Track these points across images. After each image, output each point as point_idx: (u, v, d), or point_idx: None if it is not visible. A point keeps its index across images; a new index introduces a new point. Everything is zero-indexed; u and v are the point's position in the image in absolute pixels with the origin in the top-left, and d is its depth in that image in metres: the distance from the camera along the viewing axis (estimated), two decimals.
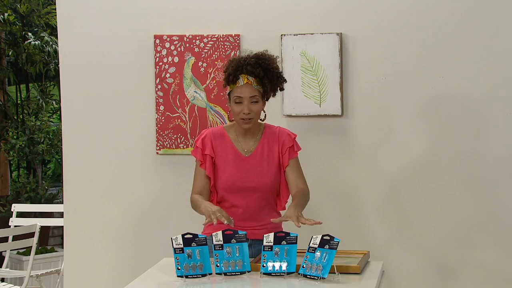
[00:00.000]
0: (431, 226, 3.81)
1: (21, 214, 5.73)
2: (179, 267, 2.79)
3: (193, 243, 2.82)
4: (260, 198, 3.20)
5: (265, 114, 3.24)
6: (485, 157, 3.73)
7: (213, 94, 3.98)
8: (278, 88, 3.23)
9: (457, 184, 3.78)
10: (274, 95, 3.24)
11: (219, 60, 3.93)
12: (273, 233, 2.85)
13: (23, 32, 7.09)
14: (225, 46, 3.94)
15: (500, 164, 3.72)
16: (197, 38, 3.98)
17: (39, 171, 7.09)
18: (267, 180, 3.19)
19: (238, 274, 2.83)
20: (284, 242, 2.83)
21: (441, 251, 3.80)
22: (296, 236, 2.85)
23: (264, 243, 2.85)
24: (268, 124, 3.28)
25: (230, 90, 3.17)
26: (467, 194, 3.76)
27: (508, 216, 3.73)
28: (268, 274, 2.81)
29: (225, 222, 2.91)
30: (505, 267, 3.74)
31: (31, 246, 4.93)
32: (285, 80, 3.26)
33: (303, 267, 2.77)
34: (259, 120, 3.24)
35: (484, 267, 3.75)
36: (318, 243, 2.78)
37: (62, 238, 4.56)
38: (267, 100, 3.22)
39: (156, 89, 4.02)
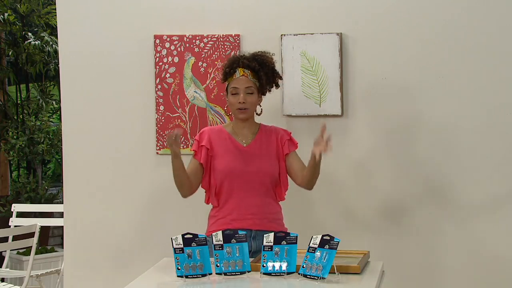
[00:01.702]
0: (434, 225, 3.82)
1: (21, 214, 5.73)
2: (179, 267, 2.80)
3: (193, 243, 2.82)
4: (260, 184, 3.26)
5: (261, 109, 3.36)
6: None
7: (213, 94, 3.98)
8: (274, 84, 3.37)
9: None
10: (269, 90, 3.38)
11: (219, 60, 3.93)
12: (273, 233, 2.86)
13: (23, 32, 7.10)
14: (225, 46, 3.94)
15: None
16: (197, 38, 3.98)
17: (39, 171, 7.09)
18: (267, 166, 3.27)
19: (238, 274, 2.84)
20: (284, 242, 2.83)
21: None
22: (296, 236, 2.85)
23: (264, 243, 2.85)
24: (262, 123, 3.39)
25: (228, 84, 3.31)
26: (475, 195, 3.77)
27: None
28: (268, 274, 2.81)
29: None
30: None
31: (31, 246, 4.94)
32: (280, 77, 3.42)
33: (303, 267, 2.78)
34: (255, 118, 3.34)
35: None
36: (318, 243, 2.78)
37: (62, 238, 4.56)
38: (263, 94, 3.35)
39: (156, 89, 4.02)
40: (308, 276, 2.75)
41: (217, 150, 3.28)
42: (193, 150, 3.33)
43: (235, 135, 3.32)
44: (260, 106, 3.35)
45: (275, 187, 3.32)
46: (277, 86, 3.40)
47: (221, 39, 3.95)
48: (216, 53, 3.96)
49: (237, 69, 3.27)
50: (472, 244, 3.78)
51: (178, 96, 4.00)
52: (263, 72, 3.28)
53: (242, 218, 3.23)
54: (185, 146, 3.99)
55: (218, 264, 2.84)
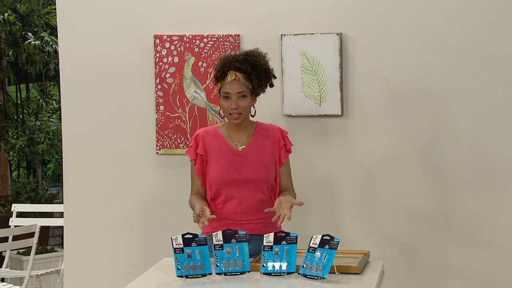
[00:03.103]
0: (434, 226, 3.82)
1: (21, 214, 5.74)
2: (179, 267, 2.80)
3: (193, 243, 2.82)
4: (256, 190, 3.23)
5: (255, 111, 3.29)
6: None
7: (213, 94, 3.98)
8: (268, 84, 3.30)
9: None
10: (263, 91, 3.31)
11: (219, 60, 3.92)
12: (273, 233, 2.86)
13: (23, 32, 7.10)
14: (225, 46, 3.94)
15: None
16: (197, 38, 3.98)
17: (39, 171, 7.10)
18: (262, 171, 3.23)
19: (238, 274, 2.83)
20: (284, 242, 2.83)
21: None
22: (296, 236, 2.85)
23: (264, 243, 2.85)
24: (259, 122, 3.34)
25: (220, 87, 3.25)
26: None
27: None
28: (268, 274, 2.81)
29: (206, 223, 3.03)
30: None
31: (31, 246, 4.94)
32: (274, 77, 3.33)
33: (303, 267, 2.78)
34: (250, 118, 3.29)
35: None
36: (318, 243, 2.78)
37: (62, 238, 4.57)
38: (256, 95, 3.28)
39: (156, 89, 4.02)
40: (308, 276, 2.75)
41: (212, 155, 3.24)
42: (191, 157, 3.27)
43: (229, 139, 3.26)
44: (254, 107, 3.27)
45: (271, 191, 3.28)
46: (272, 86, 3.33)
47: (221, 39, 3.95)
48: (216, 53, 3.96)
49: (228, 72, 3.20)
50: (473, 243, 3.78)
51: (178, 96, 4.01)
52: (255, 74, 3.20)
53: (238, 223, 3.20)
54: (185, 146, 4.00)
55: (218, 264, 2.84)
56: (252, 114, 3.29)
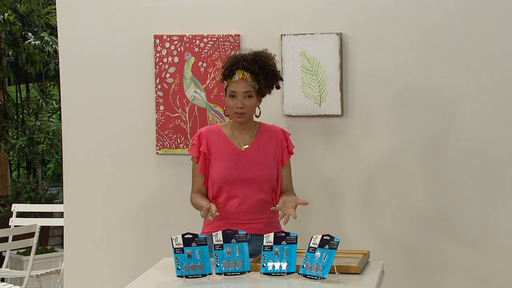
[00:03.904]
0: (437, 226, 3.82)
1: (21, 214, 5.74)
2: (179, 267, 2.80)
3: (193, 243, 2.82)
4: (258, 189, 3.23)
5: (260, 111, 3.30)
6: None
7: (213, 94, 3.98)
8: (274, 86, 3.30)
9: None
10: (269, 92, 3.31)
11: (219, 60, 3.93)
12: (273, 233, 2.86)
13: (23, 32, 7.10)
14: (225, 46, 3.94)
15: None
16: (197, 38, 3.98)
17: (39, 171, 7.10)
18: (265, 171, 3.23)
19: (238, 274, 2.83)
20: (284, 242, 2.83)
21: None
22: (296, 236, 2.85)
23: (264, 243, 2.85)
24: (262, 122, 3.34)
25: (227, 85, 3.25)
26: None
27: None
28: (268, 274, 2.81)
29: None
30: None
31: (31, 246, 4.94)
32: (281, 79, 3.34)
33: (303, 267, 2.78)
34: (254, 118, 3.29)
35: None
36: (318, 243, 2.78)
37: (62, 238, 4.57)
38: (262, 96, 3.29)
39: (156, 89, 4.02)
40: (308, 276, 2.75)
41: (215, 154, 3.24)
42: (194, 156, 3.27)
43: (232, 138, 3.27)
44: (259, 108, 3.28)
45: (272, 191, 3.28)
46: (278, 87, 3.33)
47: (221, 39, 3.95)
48: (216, 53, 3.96)
49: (236, 71, 3.19)
50: (474, 243, 3.78)
51: (178, 96, 4.01)
52: (263, 75, 3.20)
53: (239, 223, 3.20)
54: (185, 146, 4.00)
55: (218, 264, 2.84)
56: (257, 115, 3.29)
